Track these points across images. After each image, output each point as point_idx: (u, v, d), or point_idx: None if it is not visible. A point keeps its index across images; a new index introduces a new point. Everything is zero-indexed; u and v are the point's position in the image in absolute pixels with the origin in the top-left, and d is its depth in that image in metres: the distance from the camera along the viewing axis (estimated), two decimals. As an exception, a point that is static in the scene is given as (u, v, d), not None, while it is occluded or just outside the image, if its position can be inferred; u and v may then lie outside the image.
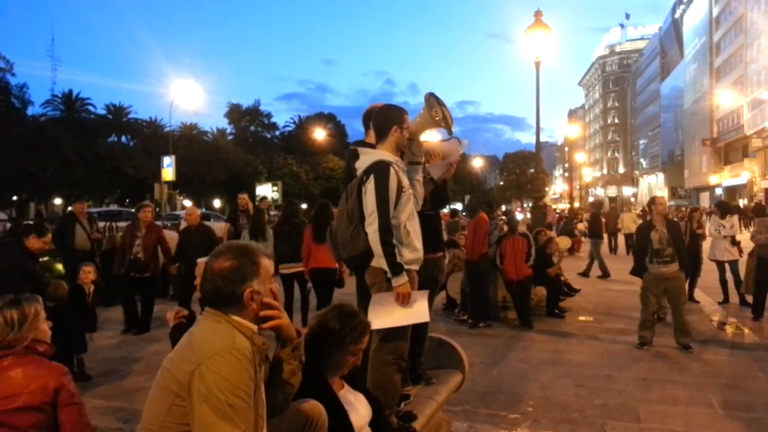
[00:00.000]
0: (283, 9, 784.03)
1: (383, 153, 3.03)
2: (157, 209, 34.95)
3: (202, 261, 2.63)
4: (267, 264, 1.96)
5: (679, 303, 6.62)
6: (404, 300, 2.91)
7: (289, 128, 70.58)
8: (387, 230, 2.88)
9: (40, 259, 6.32)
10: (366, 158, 3.05)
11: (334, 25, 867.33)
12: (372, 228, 2.90)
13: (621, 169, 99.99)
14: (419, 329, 3.29)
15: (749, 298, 8.75)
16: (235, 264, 1.88)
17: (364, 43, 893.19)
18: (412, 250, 3.01)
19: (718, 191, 51.86)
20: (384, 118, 3.09)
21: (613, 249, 19.48)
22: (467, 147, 3.60)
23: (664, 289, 6.65)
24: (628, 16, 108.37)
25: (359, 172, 3.05)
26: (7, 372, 2.48)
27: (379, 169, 2.93)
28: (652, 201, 6.99)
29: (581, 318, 8.48)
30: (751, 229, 9.25)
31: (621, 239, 19.55)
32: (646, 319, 6.71)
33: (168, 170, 26.74)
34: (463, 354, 3.88)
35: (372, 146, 3.15)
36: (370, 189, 2.91)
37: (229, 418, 1.69)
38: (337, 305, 2.52)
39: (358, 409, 2.47)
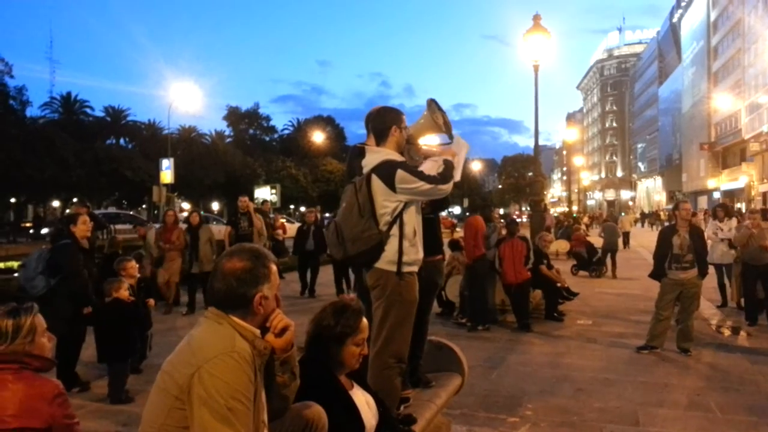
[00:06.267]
0: (277, 11, 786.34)
1: (391, 152, 3.04)
2: (155, 212, 34.94)
3: None
4: (275, 270, 1.97)
5: (690, 309, 6.59)
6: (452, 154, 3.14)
7: (288, 131, 70.70)
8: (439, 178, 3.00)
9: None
10: (374, 156, 3.03)
11: (328, 27, 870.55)
12: (430, 185, 2.95)
13: (619, 173, 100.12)
14: (419, 332, 3.28)
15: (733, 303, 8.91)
16: (249, 266, 1.88)
17: (359, 45, 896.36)
18: (416, 252, 3.02)
19: (716, 195, 51.91)
20: (382, 119, 3.10)
21: None
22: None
23: (678, 294, 6.54)
24: (624, 21, 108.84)
25: (366, 170, 3.02)
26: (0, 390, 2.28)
27: (388, 168, 2.94)
28: (677, 206, 6.86)
29: (580, 321, 8.47)
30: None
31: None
32: (659, 323, 6.54)
33: (166, 173, 26.77)
34: (462, 357, 3.87)
35: None
36: (381, 186, 2.92)
37: (229, 422, 1.68)
38: (329, 303, 2.53)
39: (366, 411, 2.47)
